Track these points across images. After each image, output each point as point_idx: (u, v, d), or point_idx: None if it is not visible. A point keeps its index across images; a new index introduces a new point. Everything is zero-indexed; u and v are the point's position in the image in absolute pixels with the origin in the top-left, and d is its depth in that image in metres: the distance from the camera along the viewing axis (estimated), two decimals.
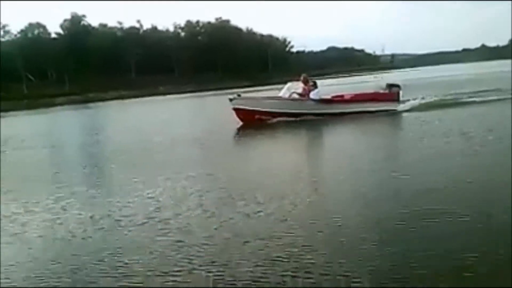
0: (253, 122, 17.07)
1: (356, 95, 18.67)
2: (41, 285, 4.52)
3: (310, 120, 17.16)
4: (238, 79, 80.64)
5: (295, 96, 17.98)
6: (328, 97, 18.51)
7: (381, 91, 18.65)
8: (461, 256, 4.38)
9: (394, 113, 17.52)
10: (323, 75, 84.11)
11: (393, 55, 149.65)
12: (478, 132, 11.27)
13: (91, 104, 55.32)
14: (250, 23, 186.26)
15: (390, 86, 18.64)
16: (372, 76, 52.71)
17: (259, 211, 6.21)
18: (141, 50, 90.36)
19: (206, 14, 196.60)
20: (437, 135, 11.57)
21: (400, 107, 17.93)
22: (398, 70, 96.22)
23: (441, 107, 17.66)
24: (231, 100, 17.59)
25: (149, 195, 7.50)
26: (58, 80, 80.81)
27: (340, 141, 13.14)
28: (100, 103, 55.61)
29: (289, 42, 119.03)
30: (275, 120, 17.31)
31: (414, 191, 6.68)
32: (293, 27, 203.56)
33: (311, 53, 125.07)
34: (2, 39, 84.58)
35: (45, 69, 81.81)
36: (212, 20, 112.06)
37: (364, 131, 14.51)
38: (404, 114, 17.12)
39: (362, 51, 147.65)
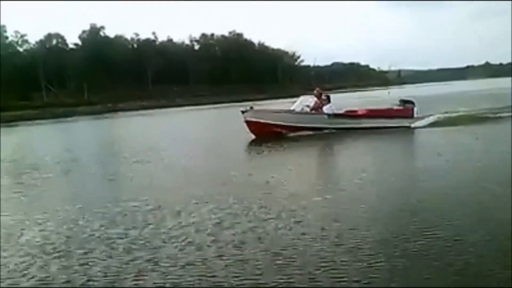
0: (265, 135, 16.10)
1: (370, 110, 17.74)
2: None
3: (323, 134, 16.25)
4: (251, 92, 79.62)
5: (308, 110, 17.06)
6: (342, 111, 17.60)
7: (395, 107, 17.72)
8: (462, 257, 4.43)
9: (408, 130, 16.56)
10: (331, 89, 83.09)
11: (400, 71, 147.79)
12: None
13: (112, 114, 53.99)
14: (260, 37, 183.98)
15: (404, 102, 17.71)
16: (382, 91, 51.87)
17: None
18: (157, 61, 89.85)
19: (220, 28, 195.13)
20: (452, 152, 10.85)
21: (417, 123, 16.92)
22: (406, 85, 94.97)
23: (458, 124, 16.64)
24: (243, 112, 16.68)
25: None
26: (77, 89, 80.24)
27: (355, 160, 11.62)
28: (126, 113, 53.91)
29: (299, 56, 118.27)
30: (290, 134, 16.37)
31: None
32: (298, 42, 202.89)
33: (317, 67, 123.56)
34: (20, 49, 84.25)
35: (63, 78, 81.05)
36: (226, 34, 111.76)
37: (380, 149, 13.51)
38: (420, 131, 16.10)
39: (366, 66, 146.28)
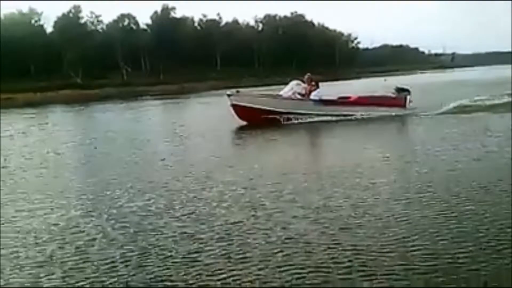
0: (250, 120, 14.64)
1: (361, 97, 15.73)
2: None
3: (311, 122, 14.57)
4: (311, 73, 76.23)
5: (297, 95, 15.33)
6: (333, 98, 15.69)
7: (389, 95, 15.60)
8: (462, 257, 4.03)
9: (401, 119, 14.51)
10: (384, 72, 78.07)
11: (454, 54, 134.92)
12: None
13: (193, 94, 50.44)
14: (319, 18, 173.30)
15: (399, 90, 15.49)
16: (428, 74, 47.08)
17: None
18: (223, 42, 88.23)
19: (282, 8, 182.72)
20: None
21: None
22: (458, 68, 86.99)
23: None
24: (229, 96, 15.28)
25: None
26: (151, 70, 79.78)
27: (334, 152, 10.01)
28: (203, 93, 48.81)
29: (355, 38, 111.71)
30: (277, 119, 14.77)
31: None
32: (346, 24, 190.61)
33: (366, 50, 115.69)
34: (93, 29, 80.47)
35: (138, 59, 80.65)
36: (288, 15, 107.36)
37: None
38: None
39: (415, 49, 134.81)
